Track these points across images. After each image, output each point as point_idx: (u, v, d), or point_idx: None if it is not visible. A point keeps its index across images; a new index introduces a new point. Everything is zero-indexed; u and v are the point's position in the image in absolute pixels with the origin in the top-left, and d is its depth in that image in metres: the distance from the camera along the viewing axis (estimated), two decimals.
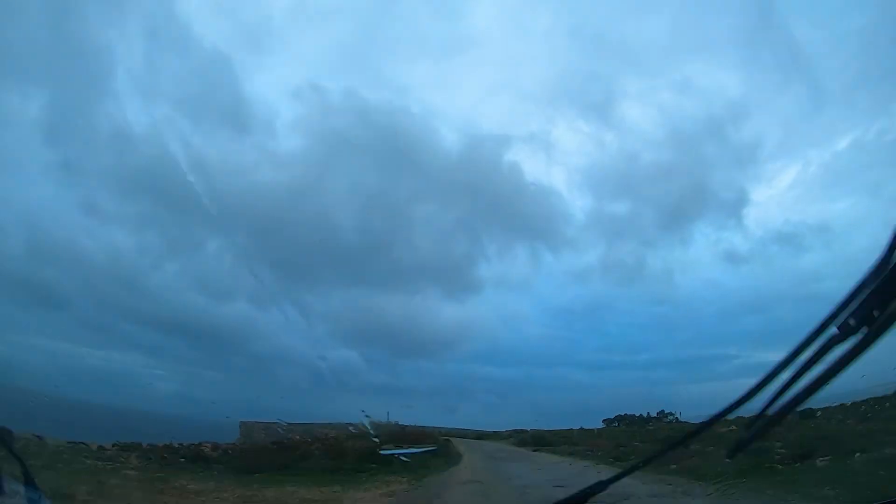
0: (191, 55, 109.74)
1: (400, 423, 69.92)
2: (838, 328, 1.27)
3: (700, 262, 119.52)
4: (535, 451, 28.88)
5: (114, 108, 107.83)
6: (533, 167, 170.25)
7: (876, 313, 1.16)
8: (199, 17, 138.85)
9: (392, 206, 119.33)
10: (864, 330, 1.19)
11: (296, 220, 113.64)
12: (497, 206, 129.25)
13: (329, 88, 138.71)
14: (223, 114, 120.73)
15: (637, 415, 59.24)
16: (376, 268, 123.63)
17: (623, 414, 61.10)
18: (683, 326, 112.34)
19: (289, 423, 41.02)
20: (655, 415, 56.88)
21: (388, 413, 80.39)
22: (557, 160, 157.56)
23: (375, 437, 20.31)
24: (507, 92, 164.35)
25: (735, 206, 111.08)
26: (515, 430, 54.98)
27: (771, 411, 1.41)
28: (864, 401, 20.26)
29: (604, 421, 59.58)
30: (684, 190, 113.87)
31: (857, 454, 10.61)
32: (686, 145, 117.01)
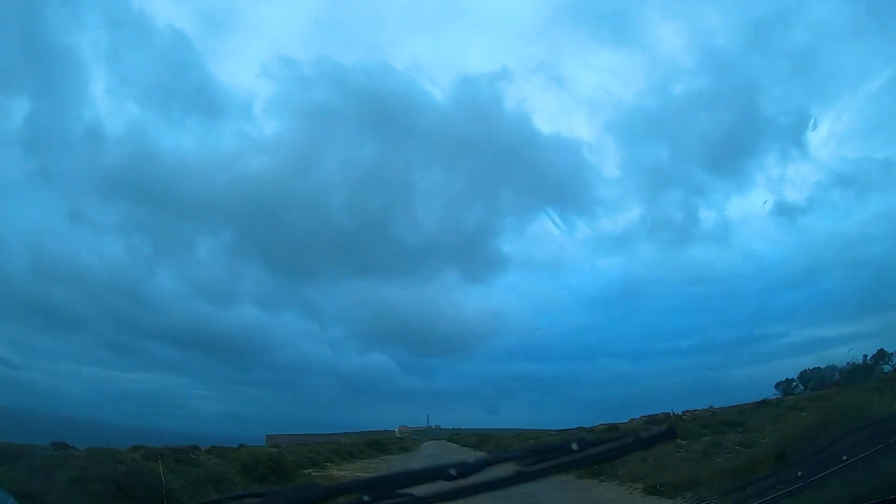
0: (154, 48, 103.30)
1: (442, 427, 69.49)
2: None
3: (759, 211, 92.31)
4: None
5: (89, 114, 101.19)
6: (545, 109, 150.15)
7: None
8: (155, 5, 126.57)
9: (392, 180, 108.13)
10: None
11: (291, 210, 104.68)
12: (509, 163, 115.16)
13: (299, 59, 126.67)
14: (198, 106, 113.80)
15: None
16: (385, 253, 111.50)
17: (815, 368, 39.97)
18: (725, 307, 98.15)
19: (313, 435, 42.89)
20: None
21: (427, 417, 79.13)
22: (573, 97, 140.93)
23: None
24: (498, 20, 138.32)
25: (796, 131, 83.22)
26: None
27: None
28: None
29: (779, 385, 39.56)
30: (733, 119, 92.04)
31: None
32: (728, 63, 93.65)
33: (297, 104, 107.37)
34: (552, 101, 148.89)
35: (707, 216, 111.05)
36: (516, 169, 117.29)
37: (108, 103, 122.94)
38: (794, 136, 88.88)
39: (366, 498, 1.21)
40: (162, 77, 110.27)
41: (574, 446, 1.32)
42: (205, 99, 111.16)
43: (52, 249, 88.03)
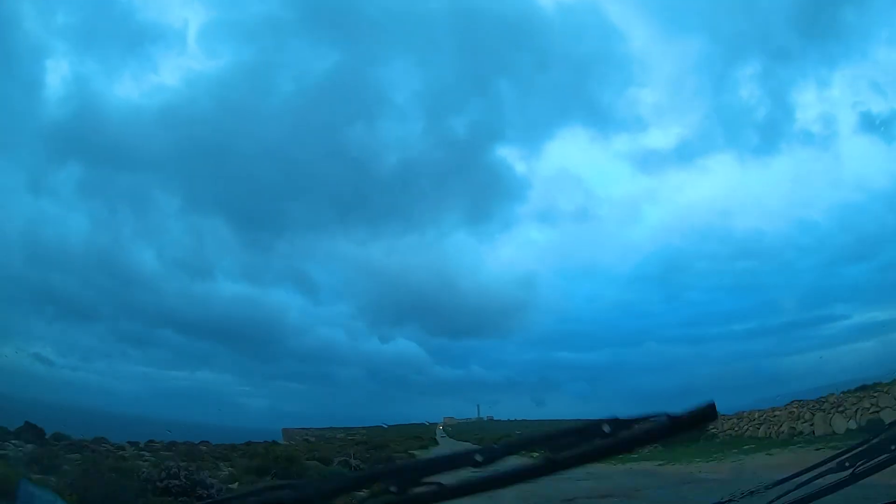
0: None
1: (495, 419, 67.44)
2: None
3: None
4: None
5: (26, 75, 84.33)
6: None
7: None
8: None
9: (361, 85, 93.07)
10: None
11: (254, 148, 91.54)
12: (507, 47, 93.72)
13: None
14: (132, 49, 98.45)
15: None
16: (370, 188, 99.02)
17: None
18: (776, 285, 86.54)
19: (335, 429, 44.08)
20: None
21: (478, 407, 76.04)
22: None
23: None
24: None
25: None
26: None
27: None
28: None
29: None
30: None
31: None
32: None
33: (233, 23, 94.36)
34: None
35: (803, 96, 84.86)
36: (517, 56, 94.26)
37: (44, 60, 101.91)
38: None
39: (392, 488, 1.21)
40: (89, 22, 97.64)
41: (606, 428, 1.19)
42: (136, 39, 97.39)
43: (44, 235, 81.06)
